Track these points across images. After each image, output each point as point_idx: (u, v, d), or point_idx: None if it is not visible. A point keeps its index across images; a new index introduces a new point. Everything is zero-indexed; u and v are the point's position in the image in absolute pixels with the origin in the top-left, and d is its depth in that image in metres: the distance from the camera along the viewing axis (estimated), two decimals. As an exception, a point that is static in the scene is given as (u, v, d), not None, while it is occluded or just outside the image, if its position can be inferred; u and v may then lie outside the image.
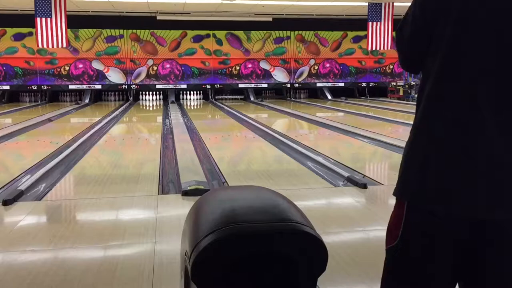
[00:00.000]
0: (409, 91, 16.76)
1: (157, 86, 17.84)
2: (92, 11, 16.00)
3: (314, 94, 18.98)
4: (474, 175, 1.21)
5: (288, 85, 18.70)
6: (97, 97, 17.65)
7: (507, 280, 1.26)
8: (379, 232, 3.43)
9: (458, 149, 1.22)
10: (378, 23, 14.69)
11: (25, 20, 15.28)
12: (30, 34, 15.96)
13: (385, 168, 5.87)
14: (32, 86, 17.06)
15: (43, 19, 13.01)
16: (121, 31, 17.37)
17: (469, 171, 1.21)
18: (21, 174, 5.20)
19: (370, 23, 14.74)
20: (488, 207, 1.21)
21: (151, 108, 16.09)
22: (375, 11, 14.64)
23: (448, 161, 1.23)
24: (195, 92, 18.33)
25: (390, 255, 1.36)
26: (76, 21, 15.48)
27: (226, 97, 18.55)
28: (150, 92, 17.95)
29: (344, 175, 4.92)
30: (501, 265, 1.25)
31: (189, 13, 16.33)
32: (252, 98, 17.85)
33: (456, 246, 1.26)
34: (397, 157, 6.31)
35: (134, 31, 17.44)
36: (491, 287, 1.28)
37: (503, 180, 1.20)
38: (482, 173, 1.20)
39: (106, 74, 17.50)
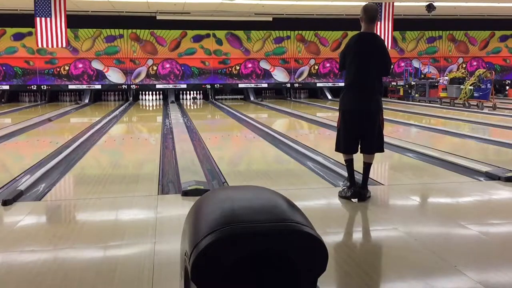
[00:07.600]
0: (410, 91, 16.69)
1: (157, 86, 17.84)
2: (92, 11, 16.01)
3: (314, 94, 18.97)
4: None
5: (288, 85, 18.70)
6: (97, 97, 17.65)
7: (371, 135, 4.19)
8: (379, 232, 3.43)
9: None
10: (378, 22, 14.68)
11: (25, 20, 15.29)
12: (30, 34, 15.97)
13: (385, 168, 5.85)
14: (32, 86, 17.07)
15: (43, 19, 13.01)
16: (121, 31, 17.37)
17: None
18: (20, 174, 5.19)
19: (370, 23, 14.73)
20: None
21: (151, 108, 16.09)
22: (375, 11, 14.63)
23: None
24: (195, 92, 18.33)
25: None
26: (76, 21, 15.48)
27: (226, 97, 18.55)
28: (150, 92, 17.96)
29: (344, 175, 4.91)
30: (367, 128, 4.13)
31: (189, 13, 16.33)
32: (252, 98, 17.85)
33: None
34: (397, 157, 6.31)
35: (134, 31, 17.45)
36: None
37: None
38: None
39: (105, 74, 17.50)
